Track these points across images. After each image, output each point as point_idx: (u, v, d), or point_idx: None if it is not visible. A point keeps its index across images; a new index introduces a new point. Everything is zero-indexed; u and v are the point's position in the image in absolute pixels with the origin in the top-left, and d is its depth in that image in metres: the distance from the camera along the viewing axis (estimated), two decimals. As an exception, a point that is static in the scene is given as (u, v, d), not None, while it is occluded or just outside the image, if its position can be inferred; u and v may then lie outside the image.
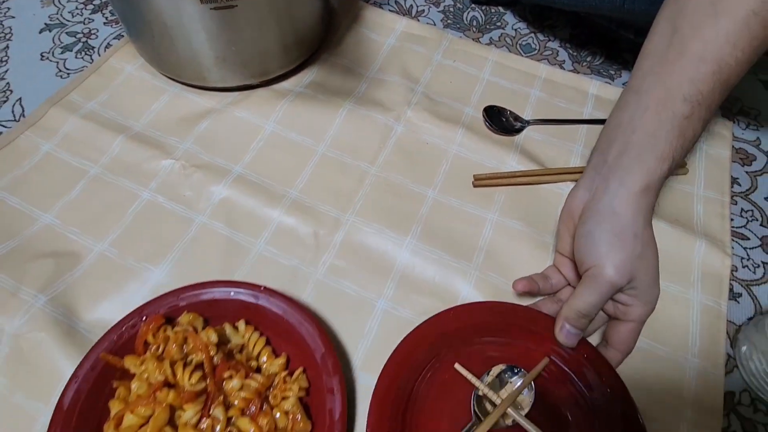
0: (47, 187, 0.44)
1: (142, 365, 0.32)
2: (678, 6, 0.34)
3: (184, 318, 0.34)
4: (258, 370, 0.34)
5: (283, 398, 0.32)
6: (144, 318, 0.34)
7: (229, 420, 0.31)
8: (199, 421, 0.30)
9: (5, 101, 0.51)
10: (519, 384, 0.34)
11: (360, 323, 0.39)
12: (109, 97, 0.51)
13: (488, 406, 0.34)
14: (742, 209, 0.48)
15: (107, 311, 0.38)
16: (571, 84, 0.56)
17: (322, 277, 0.41)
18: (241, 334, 0.35)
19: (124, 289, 0.39)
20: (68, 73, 0.53)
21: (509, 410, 0.32)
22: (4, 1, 0.60)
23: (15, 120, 0.49)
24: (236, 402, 0.31)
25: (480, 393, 0.34)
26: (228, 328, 0.35)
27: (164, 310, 0.35)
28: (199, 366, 0.32)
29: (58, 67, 0.54)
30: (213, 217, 0.43)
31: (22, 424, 0.33)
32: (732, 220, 0.47)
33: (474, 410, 0.33)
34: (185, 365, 0.31)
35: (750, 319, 0.41)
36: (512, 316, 0.36)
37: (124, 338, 0.34)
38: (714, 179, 0.49)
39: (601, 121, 0.52)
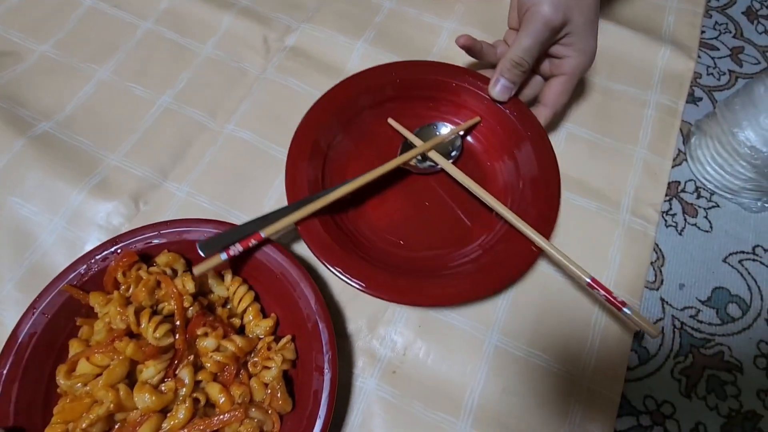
0: (-14, -5, 0.42)
1: (106, 306, 0.27)
2: None
3: (162, 258, 0.29)
4: (241, 330, 0.29)
5: (265, 368, 0.27)
6: (117, 251, 0.29)
7: (197, 384, 0.26)
8: (162, 381, 0.25)
9: None
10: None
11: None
12: None
13: (414, 162, 0.34)
14: (716, 22, 0.45)
15: (51, 103, 0.38)
16: None
17: (270, 76, 0.40)
18: (226, 285, 0.30)
19: (68, 84, 0.39)
20: None
21: (432, 153, 0.32)
22: None
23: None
24: (208, 364, 0.26)
25: (408, 142, 0.34)
26: (211, 277, 0.29)
27: (142, 246, 0.29)
28: (170, 317, 0.27)
29: None
30: (159, 23, 0.42)
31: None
32: (704, 32, 0.45)
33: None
34: (154, 314, 0.27)
35: (706, 115, 0.40)
36: (449, 74, 0.36)
37: (93, 271, 0.28)
38: (690, -7, 0.46)
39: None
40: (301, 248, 0.34)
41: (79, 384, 0.25)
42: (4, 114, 0.36)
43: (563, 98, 0.34)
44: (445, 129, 0.36)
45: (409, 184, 0.35)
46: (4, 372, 0.26)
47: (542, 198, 0.32)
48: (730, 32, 0.45)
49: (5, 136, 0.35)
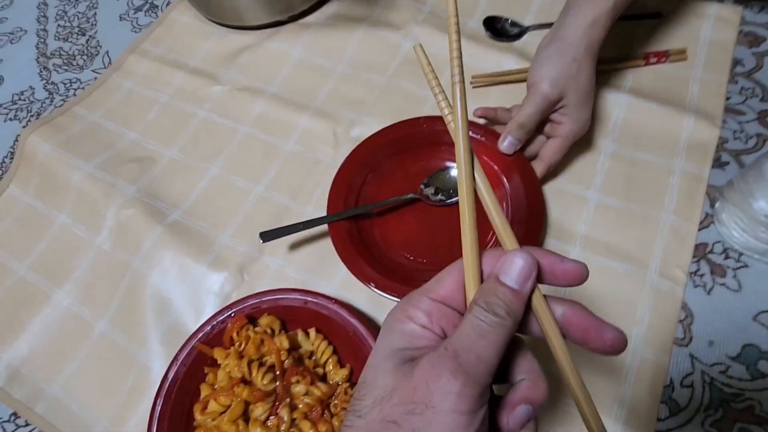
0: (131, 113, 0.57)
1: (226, 359, 0.36)
2: None
3: (264, 320, 0.38)
4: (324, 377, 0.37)
5: (343, 408, 0.34)
6: (232, 315, 0.38)
7: (293, 421, 0.33)
8: (268, 418, 0.34)
9: (97, 54, 0.64)
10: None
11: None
12: (172, 43, 0.62)
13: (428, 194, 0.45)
14: (742, 87, 0.49)
15: (178, 196, 0.50)
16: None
17: (339, 163, 0.49)
18: (311, 341, 0.38)
19: (189, 180, 0.51)
20: (140, 28, 0.65)
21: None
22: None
23: (104, 67, 0.62)
24: (300, 405, 0.34)
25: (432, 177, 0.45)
26: (300, 335, 0.38)
27: (248, 311, 0.38)
28: (272, 368, 0.35)
29: (132, 25, 0.66)
30: (253, 126, 0.53)
31: (120, 270, 0.46)
32: (729, 98, 0.48)
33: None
34: (260, 365, 0.35)
35: (728, 183, 0.43)
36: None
37: (216, 331, 0.38)
38: (714, 63, 0.50)
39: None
40: (368, 306, 0.41)
41: (209, 419, 0.34)
42: (148, 207, 0.48)
43: (557, 156, 0.42)
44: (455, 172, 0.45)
45: (426, 212, 0.45)
46: (158, 408, 0.35)
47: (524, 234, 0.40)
48: (757, 96, 0.48)
49: (149, 224, 0.47)
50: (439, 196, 0.45)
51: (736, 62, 0.50)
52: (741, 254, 0.40)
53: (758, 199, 0.36)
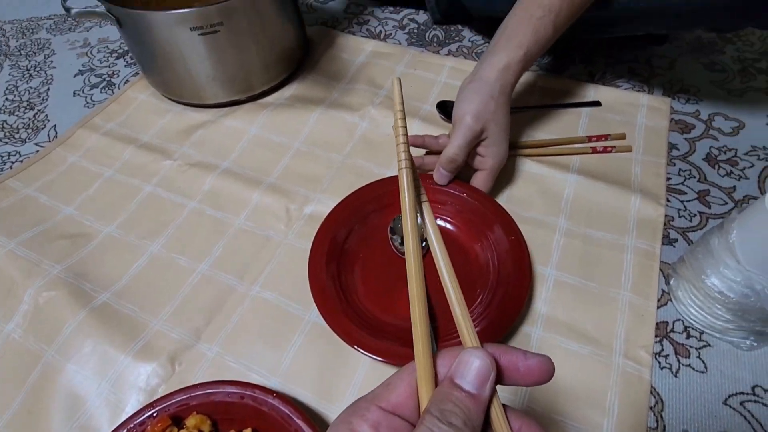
0: (70, 188, 0.53)
1: None
2: None
3: (191, 420, 0.33)
4: None
5: None
6: (154, 415, 0.33)
7: None
8: None
9: (43, 128, 0.62)
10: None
11: (321, 277, 0.44)
12: (125, 118, 0.61)
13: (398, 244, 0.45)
14: (680, 169, 0.51)
15: (110, 276, 0.45)
16: (521, 80, 0.62)
17: (291, 241, 0.47)
18: None
19: (125, 259, 0.46)
20: (94, 104, 0.64)
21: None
22: (48, 56, 0.74)
23: (49, 141, 0.60)
24: None
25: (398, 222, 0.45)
26: None
27: (174, 409, 0.33)
28: None
29: (86, 101, 0.65)
30: (202, 202, 0.51)
31: (28, 364, 0.40)
32: (670, 179, 0.50)
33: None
34: None
35: (679, 259, 0.43)
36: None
37: None
38: (652, 146, 0.53)
39: (546, 106, 0.58)
40: (316, 401, 0.37)
41: None
42: (73, 289, 0.43)
43: (485, 188, 0.46)
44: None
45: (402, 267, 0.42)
46: None
47: (513, 269, 0.40)
48: (694, 177, 0.50)
49: (72, 308, 0.42)
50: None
51: (672, 146, 0.54)
52: (702, 332, 0.39)
53: (710, 276, 0.36)
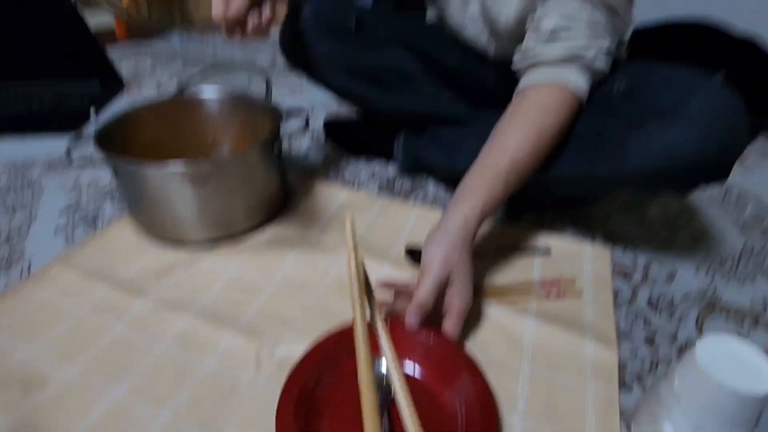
0: (34, 327, 0.52)
1: None
2: (498, 124, 0.56)
3: None
4: None
5: None
6: None
7: None
8: None
9: (17, 264, 0.62)
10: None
11: None
12: (104, 256, 0.63)
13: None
14: (626, 314, 0.56)
15: (62, 427, 0.42)
16: (481, 230, 0.70)
17: (260, 389, 0.46)
18: None
19: (79, 408, 0.44)
20: (74, 242, 0.66)
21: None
22: (35, 194, 0.77)
23: (20, 278, 0.60)
24: None
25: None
26: None
27: None
28: None
29: (66, 238, 0.67)
30: (170, 345, 0.51)
31: None
32: (618, 324, 0.55)
33: None
34: None
35: (636, 405, 0.45)
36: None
37: None
38: (600, 292, 0.58)
39: (503, 253, 0.64)
40: None
41: None
42: (16, 445, 0.40)
43: (457, 331, 0.48)
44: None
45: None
46: None
47: (480, 418, 0.41)
48: (640, 322, 0.55)
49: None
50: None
51: (617, 292, 0.59)
52: (669, 485, 0.39)
53: (663, 422, 0.38)
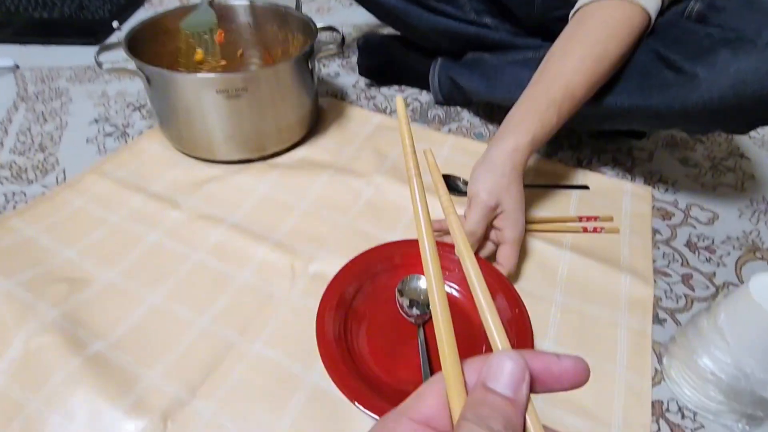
0: (74, 231, 0.53)
1: None
2: (553, 48, 0.53)
3: None
4: None
5: None
6: None
7: None
8: None
9: (52, 171, 0.62)
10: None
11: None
12: (136, 167, 0.63)
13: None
14: (664, 253, 0.55)
15: (107, 324, 0.44)
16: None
17: (294, 299, 0.47)
18: None
19: (123, 308, 0.46)
20: (107, 152, 0.66)
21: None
22: (65, 103, 0.76)
23: (56, 184, 0.60)
24: None
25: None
26: None
27: None
28: None
29: (98, 148, 0.67)
30: (207, 254, 0.51)
31: (9, 413, 0.37)
32: (655, 261, 0.54)
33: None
34: None
35: (671, 338, 0.45)
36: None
37: None
38: (638, 230, 0.57)
39: (541, 186, 0.62)
40: None
41: None
42: (66, 336, 0.42)
43: (512, 260, 0.47)
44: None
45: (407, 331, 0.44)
46: None
47: (516, 341, 0.41)
48: (678, 261, 0.54)
49: (63, 356, 0.40)
50: (415, 310, 0.45)
51: (655, 231, 0.58)
52: (696, 413, 0.40)
53: (701, 356, 0.38)
